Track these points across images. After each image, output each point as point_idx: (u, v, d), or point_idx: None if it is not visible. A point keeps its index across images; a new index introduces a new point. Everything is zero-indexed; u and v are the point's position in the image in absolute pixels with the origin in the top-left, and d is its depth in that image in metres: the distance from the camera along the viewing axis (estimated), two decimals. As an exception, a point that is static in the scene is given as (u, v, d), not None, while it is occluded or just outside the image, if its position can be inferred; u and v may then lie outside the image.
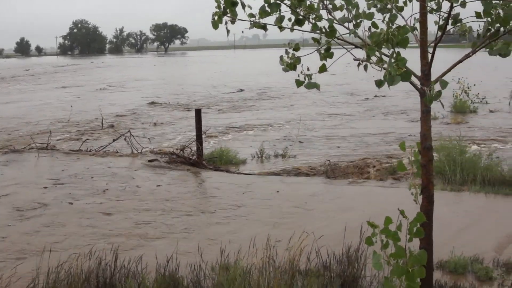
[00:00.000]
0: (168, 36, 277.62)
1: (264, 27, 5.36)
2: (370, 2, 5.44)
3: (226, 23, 5.21)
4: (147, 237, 9.47)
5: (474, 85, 30.33)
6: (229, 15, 5.09)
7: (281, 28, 5.18)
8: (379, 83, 4.48)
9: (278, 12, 5.13)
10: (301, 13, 5.09)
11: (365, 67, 4.76)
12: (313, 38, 5.28)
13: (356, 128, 23.33)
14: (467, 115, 26.59)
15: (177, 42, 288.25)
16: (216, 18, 5.16)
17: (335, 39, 5.31)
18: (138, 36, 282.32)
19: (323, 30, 5.06)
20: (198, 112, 15.77)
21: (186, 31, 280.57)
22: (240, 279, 6.41)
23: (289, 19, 5.18)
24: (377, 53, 4.67)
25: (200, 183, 13.73)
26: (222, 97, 38.95)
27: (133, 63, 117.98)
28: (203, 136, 16.40)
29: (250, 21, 5.21)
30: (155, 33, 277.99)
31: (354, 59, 4.92)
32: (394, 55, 4.45)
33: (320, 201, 11.59)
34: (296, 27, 5.18)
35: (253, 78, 57.05)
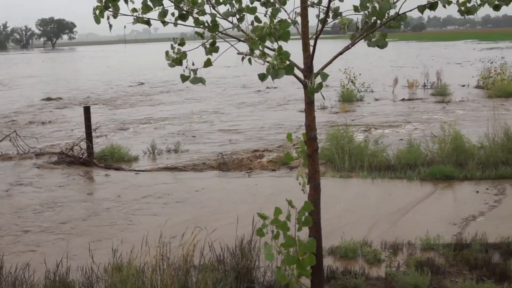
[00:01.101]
0: (55, 31, 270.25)
1: (147, 22, 5.32)
2: (253, -4, 5.51)
3: (108, 17, 5.13)
4: (34, 242, 9.21)
5: (360, 74, 31.29)
6: (111, 9, 5.01)
7: (164, 23, 5.16)
8: (262, 77, 4.55)
9: (161, 6, 5.10)
10: (184, 8, 5.08)
11: (249, 61, 4.81)
12: (196, 33, 5.29)
13: (249, 120, 23.49)
14: (355, 104, 27.34)
15: (65, 37, 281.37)
16: (97, 12, 5.06)
17: (219, 34, 5.34)
18: (23, 32, 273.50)
19: (206, 24, 5.07)
20: (87, 110, 15.46)
21: (74, 26, 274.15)
22: (134, 278, 6.36)
23: (172, 14, 5.16)
24: (260, 46, 4.73)
25: (89, 182, 13.47)
26: (117, 92, 38.30)
27: (20, 60, 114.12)
28: (94, 133, 16.08)
29: (133, 16, 5.15)
30: (41, 28, 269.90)
31: (238, 53, 4.97)
32: (277, 49, 4.53)
33: (213, 195, 11.63)
34: (180, 22, 5.17)
35: (149, 72, 56.47)
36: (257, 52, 4.71)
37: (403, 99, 28.39)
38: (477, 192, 11.00)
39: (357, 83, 30.03)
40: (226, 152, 16.27)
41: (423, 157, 13.52)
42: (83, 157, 14.93)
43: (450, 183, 11.74)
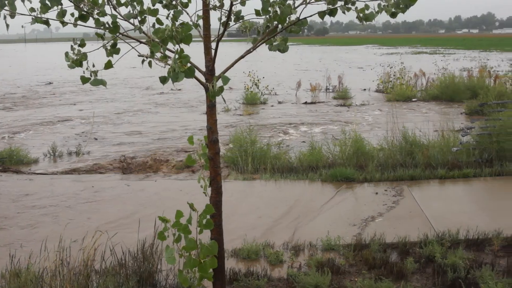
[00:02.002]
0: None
1: (46, 22, 5.18)
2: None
3: (5, 17, 4.96)
4: None
5: (264, 77, 31.61)
6: (7, 8, 4.85)
7: (64, 23, 5.04)
8: (163, 80, 4.52)
9: (60, 6, 4.98)
10: (85, 8, 4.98)
11: (149, 64, 4.77)
12: (96, 34, 5.19)
13: (153, 122, 23.28)
14: (258, 107, 27.56)
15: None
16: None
17: (120, 35, 5.27)
18: None
19: (107, 26, 4.99)
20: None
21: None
22: (32, 284, 6.20)
23: (72, 14, 5.05)
24: (161, 49, 4.70)
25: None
26: (23, 92, 37.15)
27: None
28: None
29: (32, 15, 5.01)
30: None
31: (138, 55, 4.93)
32: (178, 52, 4.50)
33: (116, 198, 11.46)
34: (79, 22, 5.06)
35: (55, 72, 55.03)
36: (158, 54, 4.68)
37: (305, 102, 28.84)
38: (376, 193, 11.29)
39: (261, 86, 30.29)
40: (128, 154, 16.08)
41: (325, 159, 13.79)
42: (-21, 160, 14.42)
43: (350, 184, 12.01)
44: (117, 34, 5.23)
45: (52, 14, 5.09)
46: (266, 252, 8.19)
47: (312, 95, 31.15)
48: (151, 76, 45.67)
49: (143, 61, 4.81)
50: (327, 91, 33.27)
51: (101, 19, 5.02)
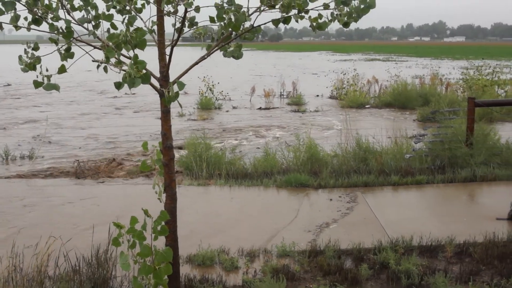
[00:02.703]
0: None
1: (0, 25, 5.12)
2: (110, 3, 5.43)
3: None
4: None
5: (219, 82, 31.60)
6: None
7: (17, 28, 4.98)
8: (118, 85, 4.50)
9: (13, 10, 4.92)
10: (38, 13, 4.93)
11: (105, 69, 4.74)
12: (50, 39, 5.14)
13: (108, 126, 23.08)
14: (213, 112, 27.57)
15: None
16: None
17: (74, 40, 5.22)
18: None
19: (61, 30, 4.94)
20: None
21: None
22: (-17, 292, 6.09)
23: (25, 18, 4.99)
24: (116, 54, 4.67)
25: None
26: None
27: None
28: None
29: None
30: None
31: (93, 61, 4.89)
32: (133, 57, 4.49)
33: (69, 203, 11.30)
34: (33, 26, 5.01)
35: (11, 74, 54.09)
36: (112, 60, 4.65)
37: (260, 108, 28.94)
38: (331, 200, 11.36)
39: (216, 91, 30.31)
40: (82, 159, 15.91)
41: (279, 165, 13.83)
42: None
43: (304, 190, 12.06)
44: (71, 39, 5.19)
45: (4, 17, 5.03)
46: (221, 258, 8.17)
47: (266, 100, 31.26)
48: (108, 79, 45.28)
49: (98, 66, 4.77)
50: (281, 97, 33.45)
51: (55, 23, 4.96)
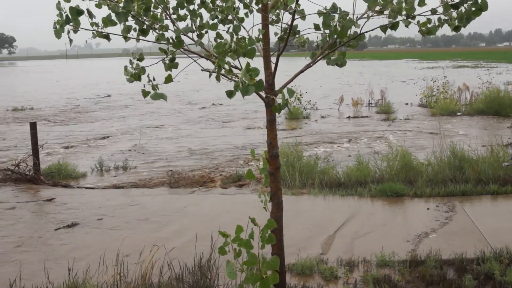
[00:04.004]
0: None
1: (107, 36, 5.22)
2: (212, 13, 5.47)
3: (68, 32, 5.00)
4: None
5: (306, 92, 31.50)
6: (71, 23, 4.89)
7: (126, 38, 5.07)
8: (230, 94, 4.50)
9: (125, 21, 5.01)
10: (146, 23, 5.00)
11: (217, 77, 4.76)
12: (160, 49, 5.19)
13: (198, 136, 23.38)
14: (301, 121, 27.52)
15: (5, 51, 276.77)
16: (58, 27, 4.93)
17: (182, 50, 5.28)
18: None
19: (170, 40, 5.00)
20: (33, 126, 15.06)
21: (14, 40, 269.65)
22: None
23: (135, 29, 5.08)
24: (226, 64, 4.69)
25: (36, 200, 13.10)
26: (81, 105, 37.90)
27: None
28: (41, 149, 15.73)
29: (93, 30, 5.04)
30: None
31: (202, 70, 4.92)
32: (246, 65, 4.48)
33: (166, 212, 11.46)
34: (141, 37, 5.09)
35: (109, 85, 55.78)
36: (225, 67, 4.67)
37: (349, 117, 28.73)
38: (428, 209, 11.12)
39: (303, 101, 30.23)
40: (176, 169, 16.14)
41: (372, 174, 13.64)
42: (30, 174, 14.56)
43: (400, 200, 11.86)
44: (180, 48, 5.25)
45: (112, 29, 5.13)
46: (320, 268, 8.10)
47: (355, 109, 31.02)
48: (197, 89, 46.02)
49: (210, 75, 4.80)
50: (370, 106, 33.10)
51: (165, 34, 5.03)
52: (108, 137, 24.02)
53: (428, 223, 10.19)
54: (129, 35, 5.09)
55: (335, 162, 15.72)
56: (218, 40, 5.04)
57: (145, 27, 5.10)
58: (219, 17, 5.68)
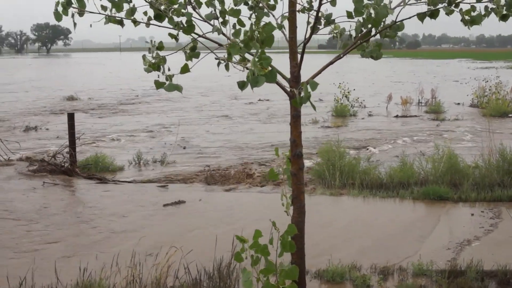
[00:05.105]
0: (50, 36, 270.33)
1: (120, 22, 4.82)
2: (238, -1, 5.02)
3: (73, 15, 4.59)
4: None
5: (354, 89, 30.85)
6: (75, 5, 4.49)
7: (136, 23, 4.67)
8: (242, 85, 4.03)
9: (131, 3, 4.60)
10: (161, 8, 4.56)
11: (226, 67, 4.32)
12: (169, 34, 4.77)
13: (239, 132, 23.01)
14: (347, 119, 26.92)
15: (60, 43, 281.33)
16: (59, 9, 4.52)
17: (197, 37, 4.85)
18: (18, 36, 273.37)
19: (181, 25, 4.56)
20: (71, 116, 14.86)
21: (70, 32, 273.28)
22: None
23: (145, 13, 4.65)
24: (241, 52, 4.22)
25: (67, 192, 12.86)
26: (136, 96, 38.10)
27: (26, 63, 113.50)
28: (77, 141, 15.53)
29: (101, 14, 4.63)
30: (36, 34, 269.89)
31: (216, 58, 4.48)
32: (259, 53, 4.01)
33: (197, 210, 11.12)
34: (153, 22, 4.66)
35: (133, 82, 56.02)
36: (236, 57, 4.20)
37: (396, 116, 28.02)
38: (472, 214, 10.53)
39: (351, 98, 29.59)
40: (213, 165, 15.79)
41: (416, 176, 13.05)
42: (65, 165, 14.35)
43: (444, 204, 11.29)
44: (196, 36, 4.83)
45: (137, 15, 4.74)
46: (352, 275, 7.62)
47: (404, 108, 30.25)
48: (226, 84, 45.70)
49: (218, 63, 4.36)
50: (419, 105, 32.27)
51: (176, 18, 4.59)
52: (151, 130, 23.79)
53: (471, 230, 9.62)
54: (140, 20, 4.68)
55: (378, 162, 15.17)
56: (238, 27, 4.58)
57: (160, 11, 4.67)
58: (249, 3, 5.23)
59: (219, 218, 10.56)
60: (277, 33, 4.86)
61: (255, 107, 32.83)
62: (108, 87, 48.55)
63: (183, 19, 4.59)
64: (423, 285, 7.26)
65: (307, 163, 14.91)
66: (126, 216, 10.68)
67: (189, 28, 4.50)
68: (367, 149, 18.75)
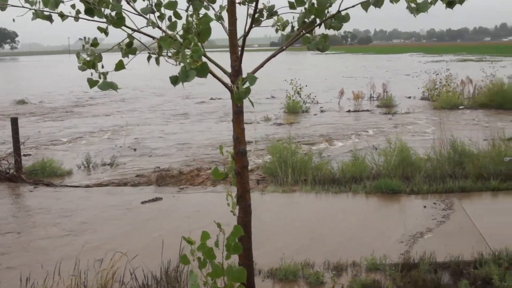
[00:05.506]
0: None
1: (49, 17, 4.55)
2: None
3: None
4: None
5: (306, 85, 30.85)
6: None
7: (63, 17, 4.40)
8: (174, 80, 3.81)
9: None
10: (92, 2, 4.31)
11: (157, 60, 4.10)
12: (98, 28, 4.51)
13: (195, 131, 22.74)
14: (300, 115, 26.86)
15: (7, 46, 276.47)
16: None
17: (133, 32, 4.62)
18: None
19: (110, 18, 4.30)
20: (14, 121, 14.40)
21: (16, 35, 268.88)
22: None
23: (73, 6, 4.37)
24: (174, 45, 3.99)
25: (9, 199, 12.42)
26: (86, 99, 37.43)
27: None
28: (24, 146, 15.09)
29: (26, 7, 4.34)
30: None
31: (148, 53, 4.25)
32: (185, 43, 3.78)
33: (147, 213, 10.85)
34: (81, 16, 4.39)
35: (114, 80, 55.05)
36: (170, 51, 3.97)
37: (349, 111, 28.11)
38: (425, 207, 10.48)
39: (303, 94, 29.58)
40: (165, 166, 15.52)
41: (369, 170, 13.01)
42: (10, 172, 13.90)
43: (396, 197, 11.23)
44: (132, 32, 4.60)
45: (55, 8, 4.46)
46: (305, 273, 7.47)
47: (355, 103, 30.40)
48: (201, 83, 45.32)
49: (148, 57, 4.14)
50: (371, 99, 32.46)
51: (105, 10, 4.33)
52: (100, 132, 23.37)
53: (424, 222, 9.56)
54: (68, 14, 4.41)
55: (330, 157, 15.09)
56: (174, 20, 4.35)
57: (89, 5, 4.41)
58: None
59: (168, 220, 10.32)
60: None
61: (211, 105, 32.58)
62: (59, 89, 47.80)
63: (100, 8, 4.32)
64: (376, 280, 7.15)
65: (259, 160, 14.77)
66: (70, 222, 10.34)
67: (119, 20, 4.26)
68: (320, 144, 18.69)
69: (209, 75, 3.98)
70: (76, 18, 4.34)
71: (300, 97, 29.26)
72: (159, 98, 37.48)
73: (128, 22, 4.60)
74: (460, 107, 27.59)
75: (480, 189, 11.53)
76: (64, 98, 40.17)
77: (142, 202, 11.48)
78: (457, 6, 4.65)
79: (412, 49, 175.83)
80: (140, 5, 4.87)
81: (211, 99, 35.31)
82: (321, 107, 29.52)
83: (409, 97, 33.04)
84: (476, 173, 12.19)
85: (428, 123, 22.79)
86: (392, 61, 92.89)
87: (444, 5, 4.59)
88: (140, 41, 4.85)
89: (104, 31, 4.46)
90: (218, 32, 5.15)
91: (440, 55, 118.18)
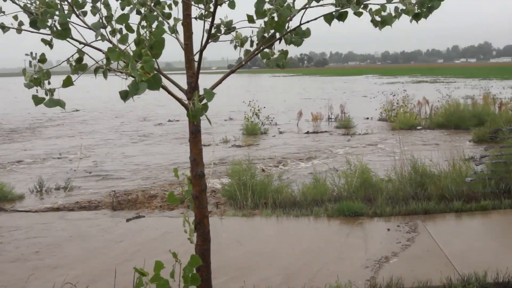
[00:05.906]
0: None
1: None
2: (124, 1, 4.45)
3: None
4: None
5: (264, 107, 30.70)
6: None
7: (4, 29, 4.03)
8: (124, 95, 3.45)
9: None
10: (33, 11, 3.94)
11: (105, 74, 3.75)
12: (42, 40, 4.14)
13: (148, 154, 22.27)
14: (258, 137, 26.60)
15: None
16: None
17: (83, 46, 4.26)
18: None
19: (54, 29, 3.94)
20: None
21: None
22: None
23: (15, 17, 4.01)
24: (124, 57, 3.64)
25: None
26: (42, 121, 36.51)
27: None
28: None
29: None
30: None
31: (97, 65, 3.90)
32: (136, 53, 3.44)
33: (100, 239, 10.39)
34: (24, 28, 4.04)
35: (77, 101, 54.10)
36: (120, 64, 3.63)
37: (307, 132, 27.95)
38: (388, 229, 10.23)
39: (262, 116, 29.40)
40: (119, 189, 15.06)
41: (330, 192, 12.74)
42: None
43: (359, 220, 10.97)
44: (82, 46, 4.24)
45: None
46: (267, 301, 7.14)
47: (314, 124, 30.30)
48: (161, 105, 44.85)
49: (95, 70, 3.78)
50: (330, 121, 32.41)
51: (49, 21, 3.97)
52: (55, 155, 22.75)
53: (389, 246, 9.30)
54: (9, 25, 4.04)
55: (290, 180, 14.80)
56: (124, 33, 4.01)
57: (35, 17, 4.05)
58: (142, 11, 4.67)
59: (122, 247, 9.88)
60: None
61: (165, 128, 32.10)
62: (16, 111, 46.87)
63: (43, 18, 3.96)
64: (342, 308, 6.84)
65: (217, 183, 14.43)
66: (18, 248, 9.86)
67: (64, 32, 3.90)
68: (279, 167, 18.41)
69: (167, 94, 3.65)
70: (19, 31, 3.96)
71: (258, 118, 29.08)
72: (118, 119, 36.95)
73: (77, 36, 4.26)
74: (418, 128, 27.69)
75: (444, 210, 11.35)
76: (22, 119, 39.39)
77: (94, 227, 11.03)
78: (410, 28, 4.45)
79: (367, 71, 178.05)
80: (91, 20, 4.53)
81: (169, 121, 34.86)
82: (279, 129, 29.34)
83: (367, 118, 33.11)
84: (439, 194, 12.03)
85: (386, 144, 22.71)
86: (349, 83, 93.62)
87: (410, 18, 4.36)
88: (91, 57, 4.49)
89: (49, 43, 4.10)
90: (176, 54, 4.83)
91: (395, 76, 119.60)
